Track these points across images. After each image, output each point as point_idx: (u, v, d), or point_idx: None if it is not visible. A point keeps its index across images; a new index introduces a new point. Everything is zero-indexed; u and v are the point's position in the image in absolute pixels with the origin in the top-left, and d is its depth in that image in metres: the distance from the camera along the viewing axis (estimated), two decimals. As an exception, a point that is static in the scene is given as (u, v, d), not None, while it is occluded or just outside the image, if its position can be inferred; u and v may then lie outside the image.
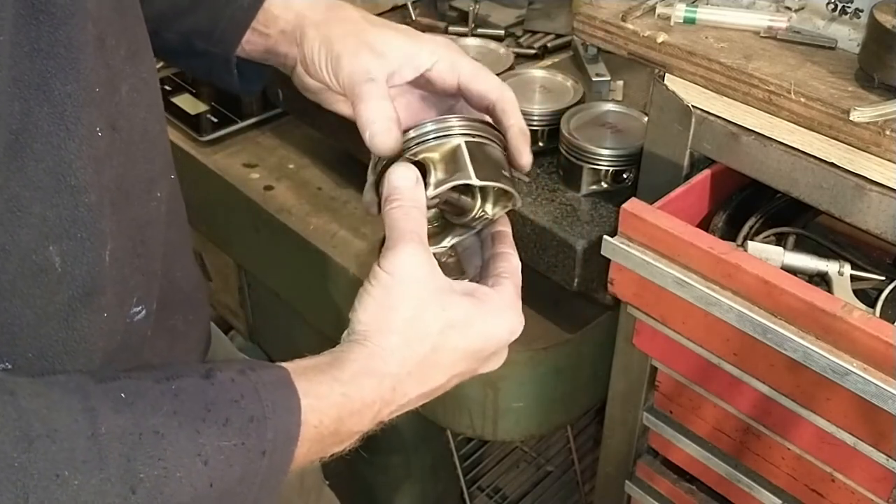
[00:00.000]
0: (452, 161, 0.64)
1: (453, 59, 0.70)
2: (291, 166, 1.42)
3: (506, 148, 0.69)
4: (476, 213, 0.70)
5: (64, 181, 0.51)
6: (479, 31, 1.41)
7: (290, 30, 0.73)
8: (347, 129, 1.24)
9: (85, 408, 0.46)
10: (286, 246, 1.33)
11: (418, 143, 0.65)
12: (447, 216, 0.71)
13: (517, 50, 1.35)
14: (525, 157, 0.68)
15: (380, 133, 0.64)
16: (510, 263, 0.66)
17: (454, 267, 0.69)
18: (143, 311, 0.62)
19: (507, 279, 0.65)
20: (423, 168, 0.64)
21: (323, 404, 0.55)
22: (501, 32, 1.41)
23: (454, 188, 0.66)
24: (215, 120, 1.48)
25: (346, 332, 0.61)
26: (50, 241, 0.51)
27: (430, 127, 0.65)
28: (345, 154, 1.36)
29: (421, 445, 1.50)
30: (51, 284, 0.52)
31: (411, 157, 0.64)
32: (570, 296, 1.09)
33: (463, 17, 1.44)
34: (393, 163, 0.65)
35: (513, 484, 1.78)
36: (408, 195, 0.62)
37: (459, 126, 0.66)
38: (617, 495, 1.12)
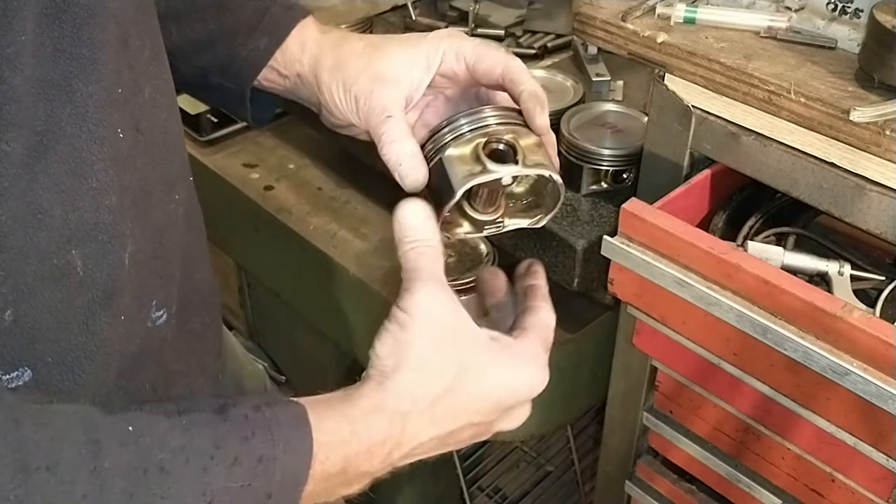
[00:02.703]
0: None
1: (456, 47, 0.69)
2: (291, 166, 1.42)
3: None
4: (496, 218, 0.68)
5: (86, 183, 0.51)
6: (479, 31, 1.41)
7: (305, 74, 0.73)
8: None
9: (90, 440, 0.45)
10: (286, 246, 1.33)
11: (454, 138, 0.64)
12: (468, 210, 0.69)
13: (517, 50, 1.35)
14: (538, 119, 0.66)
15: (408, 174, 0.64)
16: (537, 317, 0.64)
17: (473, 305, 0.67)
18: (164, 315, 0.62)
19: (532, 331, 0.63)
20: (503, 152, 0.63)
21: (330, 440, 0.53)
22: (501, 32, 1.41)
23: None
24: (215, 120, 1.48)
25: (366, 370, 0.59)
26: (72, 245, 0.51)
27: (462, 120, 0.64)
28: (345, 154, 1.36)
29: (421, 445, 1.50)
30: (72, 288, 0.52)
31: (496, 141, 0.63)
32: (570, 296, 1.09)
33: (463, 17, 1.44)
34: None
35: (513, 484, 1.78)
36: (421, 235, 0.61)
37: (494, 116, 0.64)
38: (617, 495, 1.12)
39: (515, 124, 0.65)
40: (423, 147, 0.65)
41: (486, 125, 0.64)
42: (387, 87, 0.67)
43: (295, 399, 0.54)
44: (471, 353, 0.58)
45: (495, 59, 0.68)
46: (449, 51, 0.69)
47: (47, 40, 0.48)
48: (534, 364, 0.61)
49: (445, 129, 0.64)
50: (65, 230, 0.50)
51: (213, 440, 0.48)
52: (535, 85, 0.67)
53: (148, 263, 0.59)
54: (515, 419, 0.63)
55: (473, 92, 0.73)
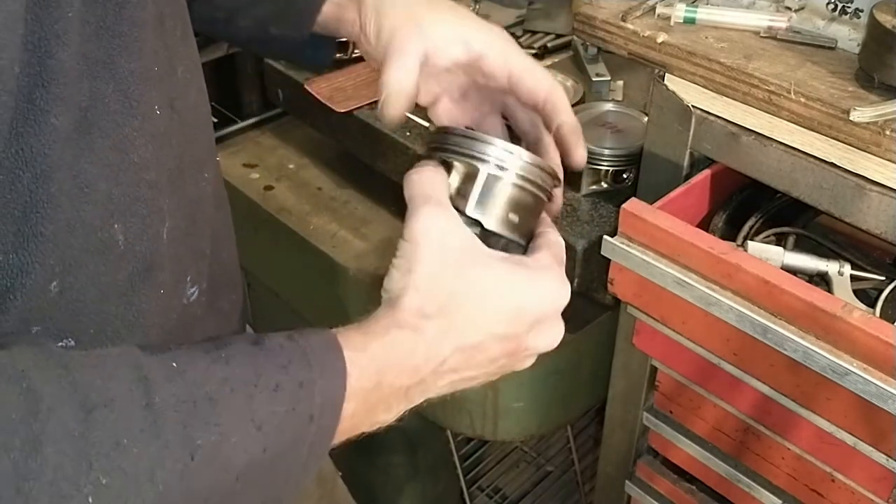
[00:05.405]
0: (469, 182, 0.62)
1: (506, 53, 0.69)
2: (291, 166, 1.42)
3: (550, 197, 0.65)
4: None
5: (127, 158, 0.52)
6: (479, 31, 1.41)
7: None
8: (347, 129, 1.25)
9: (138, 377, 0.47)
10: (286, 246, 1.33)
11: (453, 149, 0.62)
12: None
13: (517, 50, 1.35)
14: (578, 153, 0.68)
15: (387, 103, 0.64)
16: (546, 238, 0.64)
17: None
18: (196, 291, 0.63)
19: (543, 248, 0.62)
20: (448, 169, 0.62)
21: (361, 357, 0.55)
22: (501, 32, 1.41)
23: None
24: (215, 120, 1.46)
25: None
26: (115, 219, 0.52)
27: (470, 142, 0.62)
28: (345, 154, 1.36)
29: (421, 445, 1.50)
30: (114, 261, 0.53)
31: (442, 156, 0.62)
32: (570, 296, 1.09)
33: (463, 17, 1.44)
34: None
35: (513, 484, 1.78)
36: (424, 164, 0.61)
37: (495, 156, 0.61)
38: (617, 495, 1.12)
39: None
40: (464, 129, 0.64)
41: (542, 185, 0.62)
42: (416, 31, 0.67)
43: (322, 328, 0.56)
44: (481, 266, 0.59)
45: (542, 83, 0.68)
46: (497, 50, 0.69)
47: (92, 18, 0.49)
48: (550, 274, 0.61)
49: (454, 136, 0.62)
50: (108, 204, 0.52)
51: (254, 370, 0.51)
52: (573, 118, 0.68)
53: (183, 240, 0.60)
54: (549, 336, 0.63)
55: (500, 102, 0.74)
